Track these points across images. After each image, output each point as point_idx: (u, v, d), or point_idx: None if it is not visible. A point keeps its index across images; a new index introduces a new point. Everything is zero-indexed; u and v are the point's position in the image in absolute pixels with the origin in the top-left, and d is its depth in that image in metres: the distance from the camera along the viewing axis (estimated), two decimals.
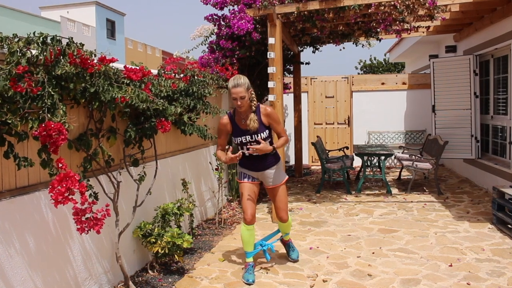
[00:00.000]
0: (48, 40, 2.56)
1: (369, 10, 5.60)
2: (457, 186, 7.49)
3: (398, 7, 5.55)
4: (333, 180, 7.69)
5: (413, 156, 7.41)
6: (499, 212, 4.99)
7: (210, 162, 5.89)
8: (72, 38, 2.71)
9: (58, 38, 2.61)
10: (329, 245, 4.58)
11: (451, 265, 3.93)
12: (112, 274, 3.54)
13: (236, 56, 6.22)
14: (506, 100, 6.51)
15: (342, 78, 10.18)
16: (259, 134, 3.68)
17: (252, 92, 3.69)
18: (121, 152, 3.65)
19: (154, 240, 3.76)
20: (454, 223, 5.27)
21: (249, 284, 3.64)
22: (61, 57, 2.60)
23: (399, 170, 8.74)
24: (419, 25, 7.22)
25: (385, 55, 21.30)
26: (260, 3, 5.39)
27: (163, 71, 4.20)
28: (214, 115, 4.90)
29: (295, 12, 5.59)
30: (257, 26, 6.00)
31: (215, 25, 6.50)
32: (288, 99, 9.44)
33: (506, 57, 6.48)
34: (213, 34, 6.78)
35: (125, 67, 3.30)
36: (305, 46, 8.17)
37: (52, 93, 2.47)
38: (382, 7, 5.60)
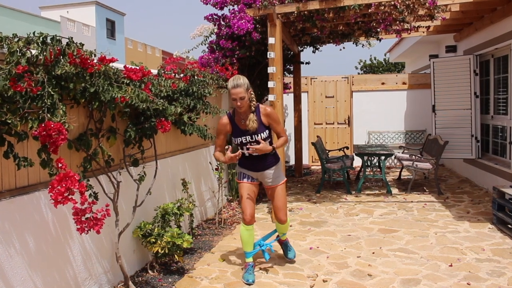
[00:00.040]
0: (48, 40, 2.56)
1: (369, 10, 5.59)
2: (457, 186, 7.49)
3: (398, 7, 5.54)
4: (333, 180, 7.69)
5: (413, 156, 7.41)
6: (499, 212, 4.98)
7: (210, 162, 5.89)
8: (72, 38, 2.71)
9: (58, 38, 2.60)
10: (329, 245, 4.58)
11: (451, 265, 3.93)
12: (112, 274, 3.54)
13: (236, 56, 6.22)
14: (506, 100, 6.50)
15: (342, 78, 10.18)
16: (259, 134, 3.67)
17: (252, 92, 3.68)
18: (121, 152, 3.64)
19: (154, 240, 3.75)
20: (454, 223, 5.27)
21: (249, 284, 3.63)
22: (61, 57, 2.60)
23: (399, 170, 8.74)
24: (419, 25, 7.22)
25: (385, 55, 21.33)
26: (260, 3, 5.38)
27: (163, 71, 4.19)
28: (214, 115, 4.89)
29: (295, 12, 5.59)
30: (257, 26, 6.00)
31: (215, 25, 6.50)
32: (288, 99, 9.44)
33: (506, 57, 6.48)
34: (213, 33, 6.77)
35: (125, 67, 3.30)
36: (305, 46, 8.16)
37: (52, 93, 2.47)
38: (382, 7, 5.60)
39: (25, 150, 2.68)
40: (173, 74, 4.38)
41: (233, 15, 5.96)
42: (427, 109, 9.16)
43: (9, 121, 2.30)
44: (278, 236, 4.13)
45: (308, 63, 8.69)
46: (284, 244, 4.16)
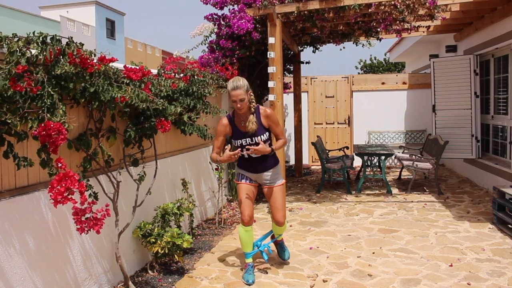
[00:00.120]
0: (48, 40, 2.56)
1: (369, 10, 5.59)
2: (457, 186, 7.48)
3: (399, 6, 5.54)
4: (333, 180, 7.69)
5: (414, 156, 7.40)
6: (500, 212, 4.98)
7: (210, 162, 5.88)
8: (71, 37, 2.71)
9: (57, 37, 2.60)
10: (329, 245, 4.58)
11: (451, 265, 3.93)
12: (112, 274, 3.54)
13: (236, 55, 6.21)
14: (506, 100, 6.50)
15: (342, 77, 10.17)
16: (258, 136, 3.66)
17: (251, 94, 3.66)
18: (121, 152, 3.64)
19: (154, 240, 3.75)
20: (454, 223, 5.26)
21: (249, 284, 3.63)
22: (61, 56, 2.60)
23: (399, 170, 8.74)
24: (420, 24, 7.22)
25: (385, 54, 21.33)
26: (260, 3, 5.38)
27: (163, 71, 4.19)
28: (214, 114, 4.89)
29: (295, 12, 5.58)
30: (257, 25, 5.99)
31: (215, 25, 6.49)
32: (288, 98, 9.43)
33: (506, 57, 6.48)
34: (213, 33, 6.77)
35: (124, 66, 3.29)
36: (305, 46, 8.16)
37: (52, 92, 2.47)
38: (382, 7, 5.60)
39: (25, 150, 2.68)
40: (173, 74, 4.37)
41: (233, 14, 5.96)
42: (427, 109, 9.16)
43: (9, 121, 2.30)
44: (274, 237, 4.12)
45: (308, 62, 8.70)
46: (280, 245, 4.14)
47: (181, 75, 4.54)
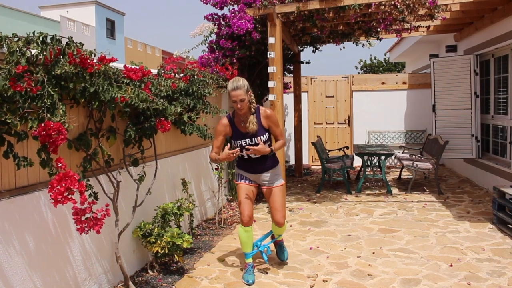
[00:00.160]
0: (48, 40, 2.56)
1: (369, 10, 5.59)
2: (457, 186, 7.48)
3: (399, 6, 5.54)
4: (333, 180, 7.69)
5: (414, 156, 7.40)
6: (500, 212, 4.98)
7: (210, 162, 5.88)
8: (71, 37, 2.71)
9: (57, 37, 2.60)
10: (329, 245, 4.57)
11: (451, 265, 3.93)
12: (111, 274, 3.54)
13: (236, 55, 6.21)
14: (506, 100, 6.50)
15: (342, 77, 10.17)
16: (259, 137, 3.65)
17: (252, 94, 3.66)
18: (121, 152, 3.64)
19: (154, 240, 3.75)
20: (454, 223, 5.26)
21: (249, 285, 3.63)
22: (61, 56, 2.60)
23: (399, 170, 8.73)
24: (420, 24, 7.21)
25: (385, 54, 21.34)
26: (260, 3, 5.38)
27: (163, 71, 4.19)
28: (214, 114, 4.89)
29: (295, 12, 5.58)
30: (257, 25, 5.99)
31: (215, 25, 6.49)
32: (288, 98, 9.43)
33: (506, 57, 6.48)
34: (213, 33, 6.77)
35: (124, 66, 3.29)
36: (305, 46, 8.16)
37: (52, 92, 2.47)
38: (382, 7, 5.59)
39: (24, 150, 2.68)
40: (173, 74, 4.37)
41: (233, 14, 5.96)
42: (427, 109, 9.16)
43: (9, 121, 2.30)
44: (274, 237, 4.12)
45: (308, 62, 8.69)
46: (279, 245, 4.14)
47: (181, 75, 4.54)
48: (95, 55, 2.85)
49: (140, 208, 3.73)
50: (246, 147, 3.66)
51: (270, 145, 3.74)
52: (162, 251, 3.73)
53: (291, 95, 9.14)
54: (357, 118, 10.12)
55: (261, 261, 4.08)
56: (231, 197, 6.56)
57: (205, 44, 6.76)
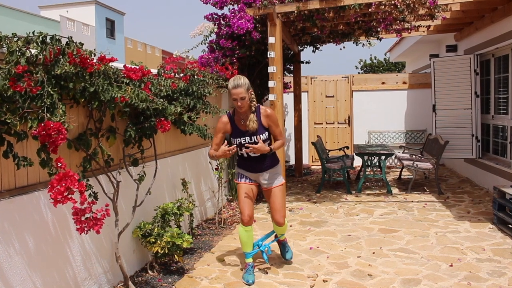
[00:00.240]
0: (48, 40, 2.55)
1: (370, 10, 5.58)
2: (457, 186, 7.48)
3: (399, 6, 5.53)
4: (333, 180, 7.68)
5: (414, 156, 7.40)
6: (500, 212, 4.98)
7: (210, 162, 5.88)
8: (71, 37, 2.70)
9: (57, 37, 2.60)
10: (329, 245, 4.57)
11: (451, 265, 3.92)
12: (111, 274, 3.53)
13: (236, 55, 6.21)
14: (506, 100, 6.50)
15: (343, 77, 10.17)
16: (258, 135, 3.66)
17: (252, 92, 3.67)
18: (121, 151, 3.64)
19: (153, 240, 3.75)
20: (454, 223, 5.26)
21: (249, 285, 3.63)
22: (61, 56, 2.59)
23: (399, 170, 8.73)
24: (420, 24, 7.21)
25: (385, 54, 21.28)
26: (260, 2, 5.37)
27: (162, 71, 4.18)
28: (214, 114, 4.88)
29: (295, 12, 5.57)
30: (257, 25, 5.98)
31: (215, 24, 6.49)
32: (288, 98, 9.43)
33: (506, 57, 6.47)
34: (213, 33, 6.76)
35: (124, 66, 3.29)
36: (305, 46, 8.15)
37: (52, 92, 2.46)
38: (383, 6, 5.59)
39: (24, 150, 2.67)
40: (173, 74, 4.37)
41: (233, 14, 5.95)
42: (427, 108, 9.15)
43: (9, 121, 2.29)
44: (276, 236, 4.12)
45: (308, 62, 8.69)
46: (283, 245, 4.15)
47: (181, 75, 4.53)
48: (95, 55, 2.85)
49: (140, 208, 3.72)
50: (246, 145, 3.66)
51: (269, 144, 3.74)
52: (162, 251, 3.73)
53: (291, 95, 9.14)
54: (357, 118, 10.12)
55: (261, 261, 4.08)
56: (231, 197, 6.56)
57: (205, 44, 6.76)
